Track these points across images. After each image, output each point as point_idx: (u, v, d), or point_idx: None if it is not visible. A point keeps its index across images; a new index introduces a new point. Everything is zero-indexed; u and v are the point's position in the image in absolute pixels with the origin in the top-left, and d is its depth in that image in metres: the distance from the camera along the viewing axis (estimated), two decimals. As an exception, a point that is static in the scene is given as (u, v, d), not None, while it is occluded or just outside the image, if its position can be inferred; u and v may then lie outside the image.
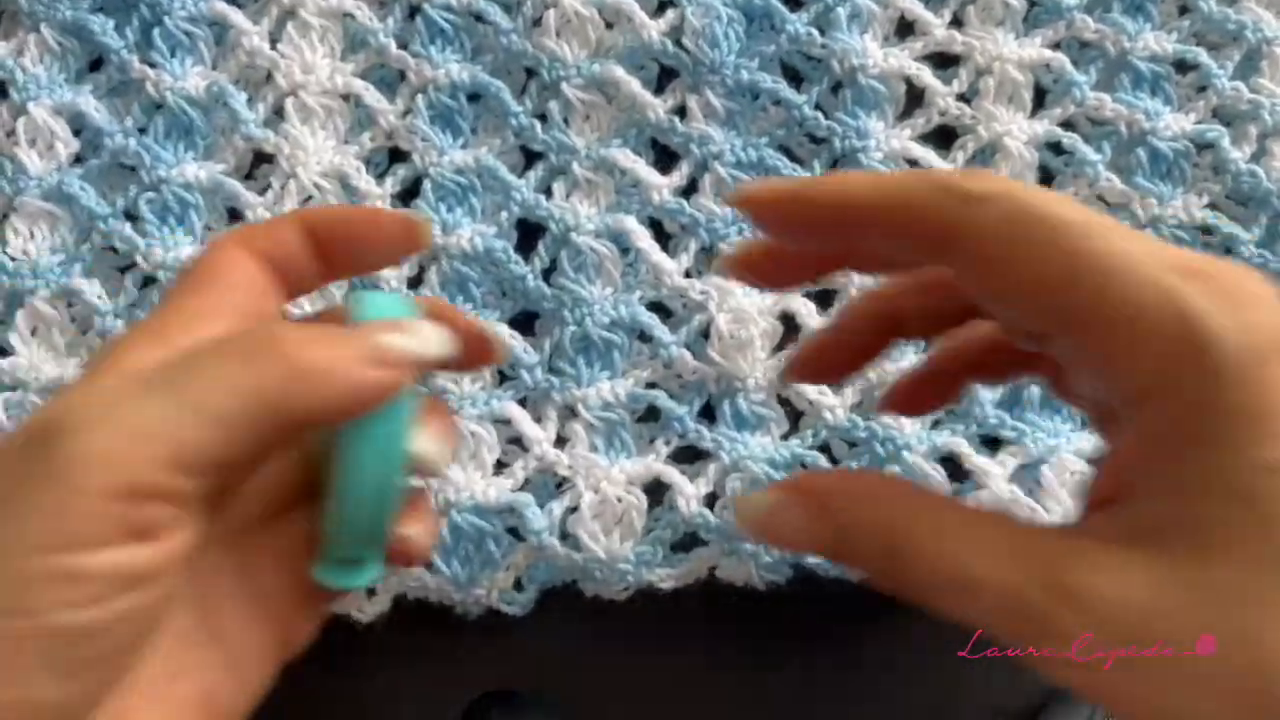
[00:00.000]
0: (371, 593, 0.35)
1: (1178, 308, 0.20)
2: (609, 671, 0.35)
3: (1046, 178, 0.39)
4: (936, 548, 0.22)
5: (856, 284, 0.37)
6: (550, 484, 0.36)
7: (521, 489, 0.36)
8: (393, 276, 0.37)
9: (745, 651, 0.36)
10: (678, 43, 0.39)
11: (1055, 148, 0.39)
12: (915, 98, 0.40)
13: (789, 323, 0.37)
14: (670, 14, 0.40)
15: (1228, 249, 0.38)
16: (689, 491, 0.35)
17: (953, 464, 0.36)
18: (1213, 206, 0.39)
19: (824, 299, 0.38)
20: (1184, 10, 0.41)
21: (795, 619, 0.36)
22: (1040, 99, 0.40)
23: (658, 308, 0.38)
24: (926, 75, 0.39)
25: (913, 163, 0.39)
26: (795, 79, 0.40)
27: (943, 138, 0.40)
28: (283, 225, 0.26)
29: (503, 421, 0.36)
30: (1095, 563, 0.20)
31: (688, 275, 0.38)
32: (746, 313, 0.37)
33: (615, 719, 0.35)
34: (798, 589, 0.35)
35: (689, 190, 0.39)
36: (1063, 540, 0.21)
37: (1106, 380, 0.21)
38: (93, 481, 0.19)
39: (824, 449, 0.36)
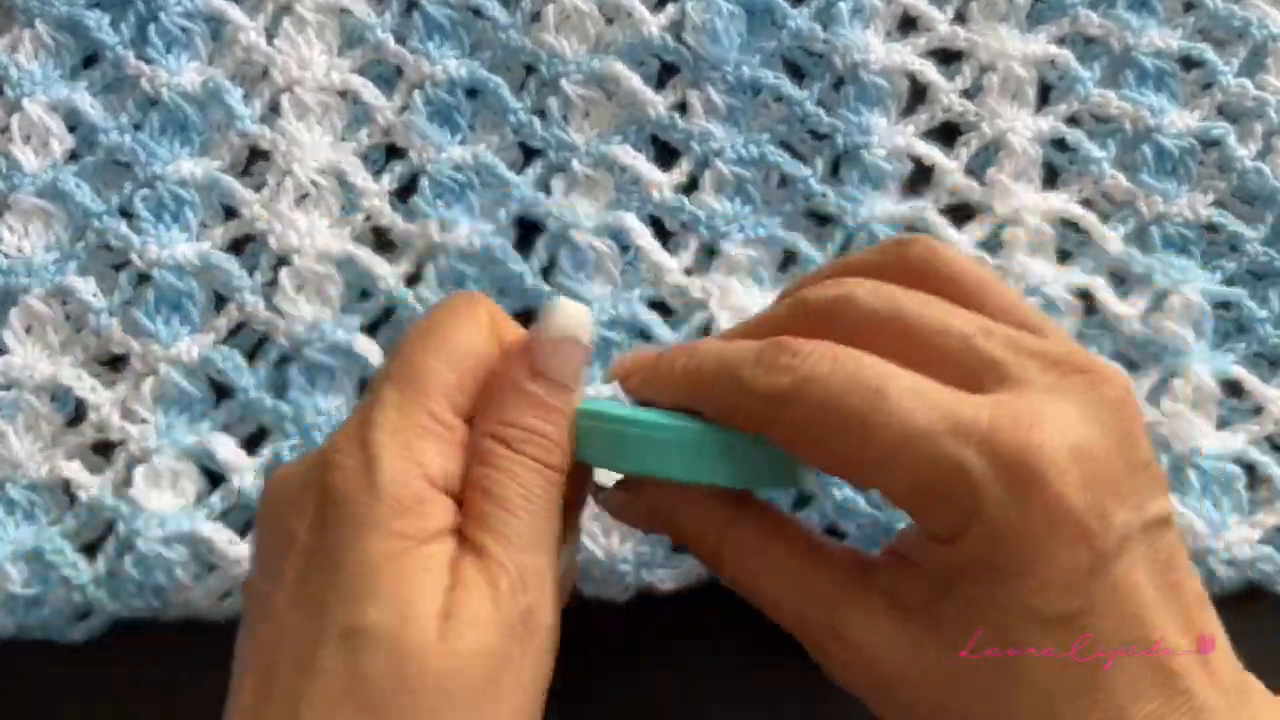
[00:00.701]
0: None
1: (960, 481, 0.23)
2: (608, 674, 0.35)
3: (1051, 175, 0.39)
4: (740, 564, 0.27)
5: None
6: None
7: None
8: (390, 274, 0.37)
9: (745, 653, 0.35)
10: (678, 38, 0.39)
11: (1060, 144, 0.39)
12: (918, 94, 0.39)
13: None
14: (671, 9, 0.39)
15: (1233, 246, 0.38)
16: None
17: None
18: (1218, 204, 0.38)
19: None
20: (1189, 6, 0.40)
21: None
22: (1044, 95, 0.40)
23: (658, 306, 0.37)
24: (930, 71, 0.39)
25: (916, 160, 0.39)
26: (797, 75, 0.40)
27: (946, 134, 0.39)
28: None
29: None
30: (868, 622, 0.25)
31: (688, 273, 0.37)
32: (747, 311, 0.36)
33: (617, 715, 0.35)
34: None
35: (690, 187, 0.38)
36: (847, 587, 0.26)
37: (911, 517, 0.25)
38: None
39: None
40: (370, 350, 0.36)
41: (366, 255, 0.37)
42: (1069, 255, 0.38)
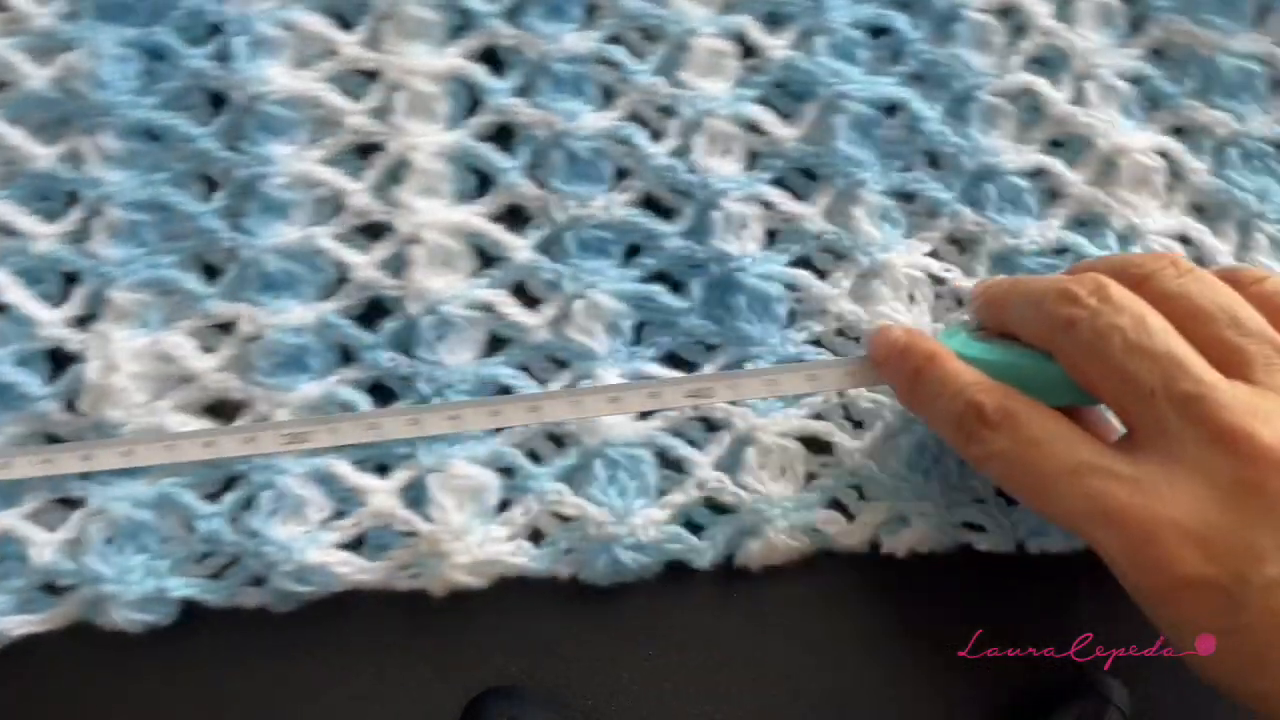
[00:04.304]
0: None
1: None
2: (611, 665, 0.36)
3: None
4: None
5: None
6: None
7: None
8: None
9: (746, 646, 0.36)
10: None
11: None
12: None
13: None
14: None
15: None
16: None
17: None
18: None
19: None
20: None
21: (796, 615, 0.36)
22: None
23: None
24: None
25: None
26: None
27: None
28: None
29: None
30: None
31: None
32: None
33: (617, 713, 0.35)
34: (799, 585, 0.36)
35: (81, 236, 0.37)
36: None
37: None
38: None
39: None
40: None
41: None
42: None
